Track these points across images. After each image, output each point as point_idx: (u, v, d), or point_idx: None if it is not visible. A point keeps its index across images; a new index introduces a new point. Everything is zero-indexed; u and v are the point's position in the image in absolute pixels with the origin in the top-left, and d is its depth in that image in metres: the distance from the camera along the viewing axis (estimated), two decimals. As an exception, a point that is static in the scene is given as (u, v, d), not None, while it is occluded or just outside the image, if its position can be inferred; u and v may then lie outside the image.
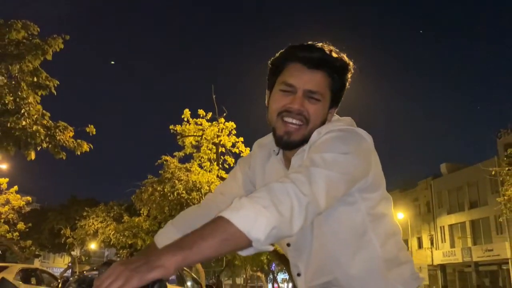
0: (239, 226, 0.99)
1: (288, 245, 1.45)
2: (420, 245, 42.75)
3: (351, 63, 1.41)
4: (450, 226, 39.40)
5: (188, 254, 0.94)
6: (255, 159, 1.56)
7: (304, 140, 1.35)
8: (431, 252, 40.10)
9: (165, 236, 1.49)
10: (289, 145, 1.37)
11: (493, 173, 20.97)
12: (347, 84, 1.43)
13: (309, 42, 1.39)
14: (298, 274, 1.44)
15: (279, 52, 1.42)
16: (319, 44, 1.37)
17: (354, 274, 1.33)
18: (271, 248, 1.07)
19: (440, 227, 40.46)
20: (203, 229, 1.00)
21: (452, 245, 38.82)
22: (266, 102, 1.45)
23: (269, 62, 1.44)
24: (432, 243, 40.90)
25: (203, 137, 14.70)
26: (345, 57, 1.40)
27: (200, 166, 14.77)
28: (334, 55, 1.37)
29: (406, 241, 43.83)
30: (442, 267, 39.82)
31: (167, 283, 0.94)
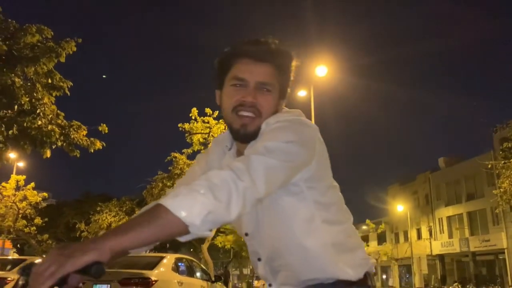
0: (174, 212, 0.99)
1: (246, 234, 1.46)
2: (419, 236, 42.67)
3: (295, 56, 1.41)
4: (448, 217, 39.31)
5: (123, 239, 0.94)
6: (212, 155, 1.54)
7: (259, 132, 1.35)
8: (430, 243, 40.02)
9: None
10: (246, 137, 1.36)
11: (489, 166, 20.91)
12: (292, 75, 1.43)
13: (254, 38, 1.39)
14: (259, 259, 1.46)
15: (225, 50, 1.41)
16: (264, 38, 1.38)
17: (304, 259, 1.35)
18: (210, 234, 1.06)
19: (439, 218, 40.38)
20: (140, 216, 1.01)
21: (450, 236, 38.74)
22: (217, 101, 1.45)
23: (216, 61, 1.43)
24: (430, 234, 40.81)
25: (210, 135, 14.72)
26: (289, 49, 1.41)
27: (208, 162, 14.79)
28: (280, 47, 1.38)
29: (405, 233, 43.87)
30: (441, 257, 39.76)
31: (105, 268, 0.92)
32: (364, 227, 44.27)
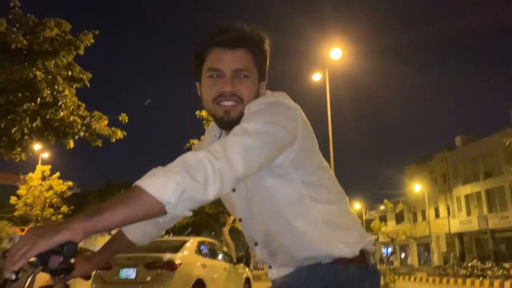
0: (149, 191, 0.98)
1: (240, 220, 1.46)
2: (437, 215, 42.34)
3: (266, 36, 1.39)
4: (466, 196, 38.84)
5: (97, 219, 0.94)
6: (204, 145, 1.53)
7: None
8: (448, 221, 39.69)
9: None
10: (230, 124, 1.31)
11: (507, 143, 20.53)
12: (268, 55, 1.40)
13: (223, 26, 1.36)
14: (255, 244, 1.45)
15: (198, 43, 1.39)
16: (233, 25, 1.35)
17: (296, 239, 1.33)
18: (189, 213, 1.06)
19: (456, 197, 39.93)
20: (116, 198, 1.00)
21: (469, 214, 38.32)
22: (199, 93, 1.43)
23: (191, 54, 1.41)
24: (449, 213, 40.45)
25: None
26: (260, 31, 1.38)
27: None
28: (250, 31, 1.35)
29: (423, 212, 43.56)
30: (459, 235, 39.41)
31: (78, 247, 0.94)
32: (382, 207, 44.12)
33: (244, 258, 10.84)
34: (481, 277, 22.61)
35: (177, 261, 7.89)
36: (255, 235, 1.44)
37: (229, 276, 9.95)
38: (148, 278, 7.69)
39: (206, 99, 1.36)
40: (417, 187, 41.77)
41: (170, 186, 0.98)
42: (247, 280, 11.21)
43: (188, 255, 8.55)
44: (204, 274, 8.57)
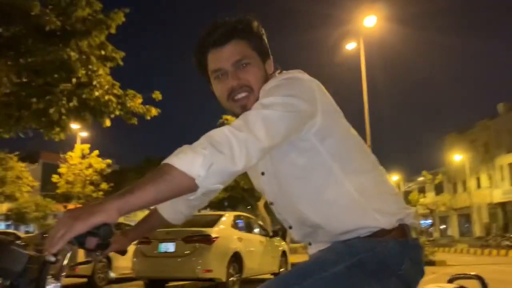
0: (178, 167, 1.00)
1: (271, 203, 1.45)
2: (478, 185, 41.33)
3: (251, 17, 1.38)
4: (510, 164, 37.61)
5: (129, 198, 0.96)
6: None
7: None
8: (490, 191, 38.67)
9: None
10: None
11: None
12: (262, 34, 1.40)
13: (205, 27, 1.38)
14: (290, 227, 1.45)
15: (192, 54, 1.41)
16: (214, 23, 1.37)
17: (330, 212, 1.31)
18: (220, 187, 1.07)
19: (499, 166, 38.75)
20: (146, 176, 1.02)
21: (512, 184, 37.21)
22: (214, 96, 1.45)
23: (193, 63, 1.44)
24: (491, 183, 39.38)
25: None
26: (241, 17, 1.38)
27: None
28: (232, 21, 1.36)
29: (464, 182, 42.57)
30: (503, 205, 38.39)
31: (113, 228, 0.96)
32: (421, 179, 43.33)
33: (280, 231, 10.93)
34: (526, 248, 22.04)
35: (214, 235, 8.06)
36: (288, 217, 1.44)
37: (265, 249, 10.10)
38: (187, 252, 7.91)
39: (221, 99, 1.40)
40: (457, 157, 40.76)
41: (198, 160, 1.01)
42: (284, 253, 11.36)
43: (224, 229, 8.72)
44: (241, 247, 8.73)
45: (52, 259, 0.94)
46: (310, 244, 1.43)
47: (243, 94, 1.34)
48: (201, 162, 1.01)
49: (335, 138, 1.31)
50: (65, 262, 1.04)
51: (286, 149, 1.26)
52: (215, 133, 1.08)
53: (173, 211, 1.55)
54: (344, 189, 1.30)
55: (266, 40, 1.42)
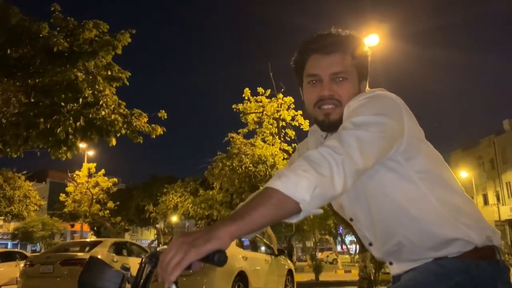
0: (284, 191, 0.99)
1: (351, 220, 1.45)
2: (486, 202, 40.92)
3: (362, 37, 1.43)
4: (517, 181, 37.29)
5: (240, 224, 0.96)
6: (309, 144, 1.57)
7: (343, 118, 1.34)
8: (498, 208, 38.26)
9: None
10: (331, 126, 1.36)
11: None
12: (367, 56, 1.42)
13: (318, 33, 1.41)
14: (370, 244, 1.43)
15: (296, 52, 1.44)
16: (328, 31, 1.40)
17: (418, 230, 1.29)
18: (320, 211, 1.06)
19: (506, 183, 38.44)
20: (252, 201, 1.02)
21: (520, 200, 36.80)
22: (302, 98, 1.47)
23: (291, 63, 1.47)
24: (498, 199, 38.98)
25: (263, 113, 14.73)
26: (354, 33, 1.41)
27: (263, 141, 14.90)
28: (344, 35, 1.39)
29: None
30: (510, 222, 37.93)
31: (226, 253, 0.95)
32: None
33: (287, 250, 10.85)
34: (535, 266, 21.69)
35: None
36: (369, 234, 1.42)
37: (270, 268, 10.00)
38: (191, 271, 7.84)
39: (308, 104, 1.42)
40: (463, 174, 40.50)
41: (303, 184, 1.00)
42: (290, 272, 11.23)
43: (229, 247, 8.64)
44: (246, 266, 8.65)
45: (173, 287, 0.93)
46: (391, 263, 1.41)
47: (330, 106, 1.36)
48: (306, 186, 1.00)
49: (421, 157, 1.31)
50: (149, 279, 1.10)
51: (374, 167, 1.24)
52: (313, 154, 1.08)
53: None
54: (432, 206, 1.29)
55: (368, 62, 1.43)
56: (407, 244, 1.32)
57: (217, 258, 0.93)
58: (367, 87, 1.43)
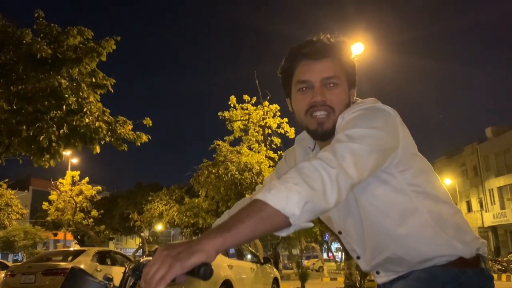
0: (273, 205, 0.97)
1: (340, 233, 1.44)
2: (469, 209, 41.37)
3: (350, 44, 1.40)
4: (499, 188, 37.81)
5: (227, 236, 0.93)
6: (296, 154, 1.55)
7: (336, 127, 1.32)
8: (481, 214, 38.75)
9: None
10: (324, 135, 1.35)
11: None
12: (355, 63, 1.41)
13: (307, 39, 1.38)
14: (358, 257, 1.43)
15: (283, 60, 1.41)
16: (316, 37, 1.37)
17: (409, 242, 1.30)
18: (310, 225, 1.03)
19: (489, 190, 38.94)
20: (240, 213, 0.98)
21: (502, 207, 37.30)
22: (290, 108, 1.45)
23: (278, 72, 1.44)
24: (481, 206, 39.49)
25: (249, 121, 14.79)
26: (343, 39, 1.39)
27: (249, 148, 14.93)
28: (333, 40, 1.37)
29: (455, 206, 42.57)
30: (493, 228, 38.42)
31: (212, 266, 0.92)
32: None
33: (272, 258, 10.82)
34: (518, 272, 21.95)
35: (204, 262, 7.94)
36: (359, 248, 1.41)
37: (256, 276, 9.96)
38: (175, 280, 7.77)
39: (299, 112, 1.38)
40: (447, 181, 40.98)
41: (293, 198, 0.98)
42: (275, 280, 11.20)
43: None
44: (231, 274, 8.60)
45: None
46: (378, 272, 1.41)
47: (323, 113, 1.33)
48: (296, 200, 0.98)
49: (414, 170, 1.31)
50: None
51: (367, 180, 1.22)
52: (306, 167, 1.05)
53: None
54: (423, 219, 1.29)
55: (356, 69, 1.42)
56: (396, 259, 1.33)
57: (203, 271, 0.90)
58: (355, 96, 1.43)
